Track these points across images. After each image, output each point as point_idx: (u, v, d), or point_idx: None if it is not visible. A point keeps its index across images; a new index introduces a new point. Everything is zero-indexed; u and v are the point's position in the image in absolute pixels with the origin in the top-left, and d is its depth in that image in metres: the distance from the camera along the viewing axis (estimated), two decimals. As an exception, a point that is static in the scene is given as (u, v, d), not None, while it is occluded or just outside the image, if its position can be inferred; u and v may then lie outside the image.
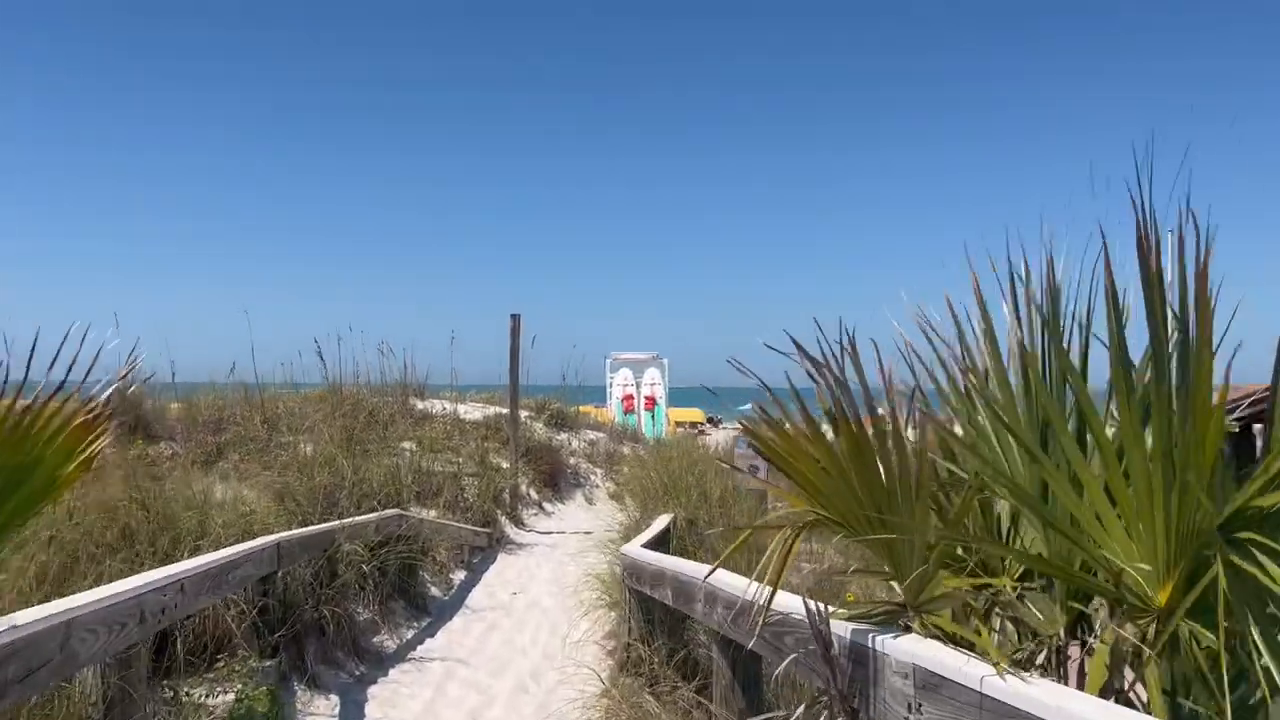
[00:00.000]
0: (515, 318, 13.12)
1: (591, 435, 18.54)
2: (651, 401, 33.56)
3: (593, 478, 16.30)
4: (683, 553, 7.62)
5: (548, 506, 14.41)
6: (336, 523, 7.37)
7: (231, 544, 5.98)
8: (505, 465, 13.75)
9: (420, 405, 16.72)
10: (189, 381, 15.01)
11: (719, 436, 36.81)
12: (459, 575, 9.92)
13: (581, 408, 20.31)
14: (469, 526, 10.87)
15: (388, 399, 16.09)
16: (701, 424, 58.20)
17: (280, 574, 6.37)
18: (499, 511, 12.57)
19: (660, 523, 7.20)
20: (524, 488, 13.99)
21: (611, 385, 32.33)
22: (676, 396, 35.35)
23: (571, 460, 16.40)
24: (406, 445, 14.08)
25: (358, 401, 15.15)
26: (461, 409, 16.89)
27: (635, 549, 5.63)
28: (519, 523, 12.97)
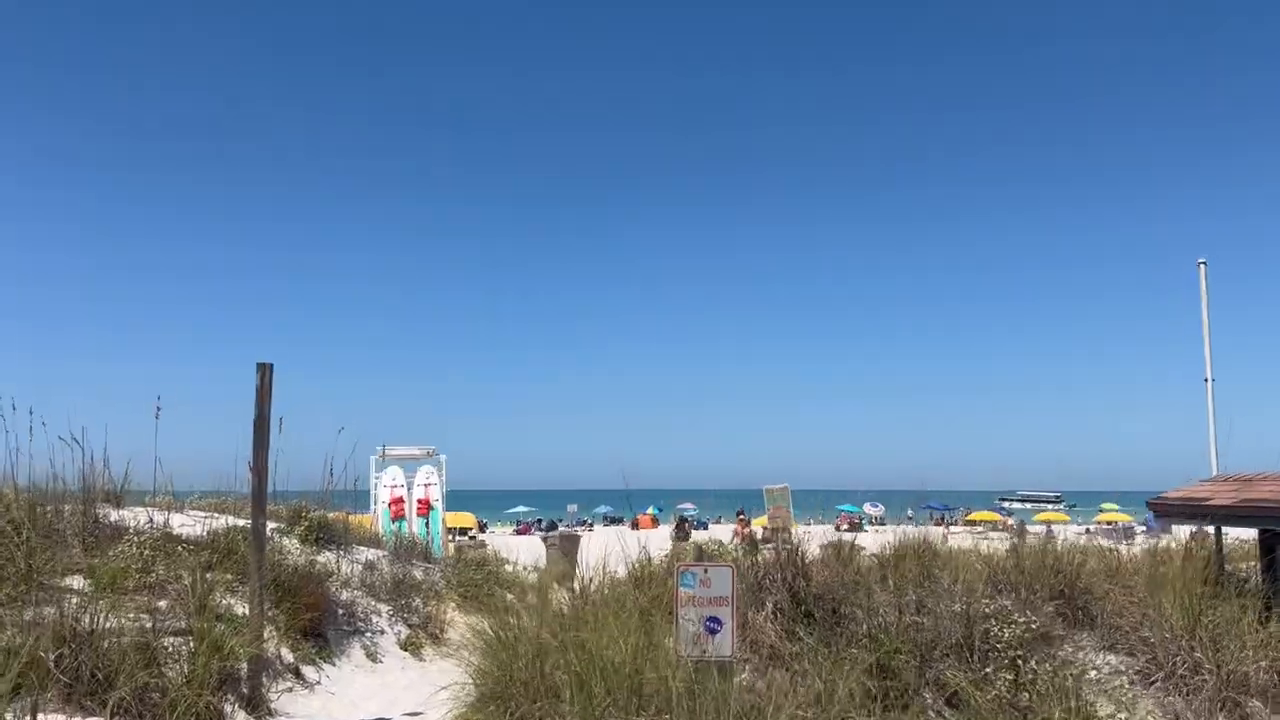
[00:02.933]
0: (264, 369, 8.20)
1: (369, 554, 13.47)
2: (425, 505, 28.40)
3: (375, 619, 11.27)
4: None
5: (310, 673, 9.30)
6: None
7: None
8: (242, 611, 8.63)
9: (115, 515, 11.22)
10: None
11: (513, 542, 32.09)
12: None
13: (352, 515, 15.16)
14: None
15: (61, 505, 10.55)
16: (472, 530, 52.82)
17: None
18: (228, 698, 7.46)
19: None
20: (272, 646, 8.88)
21: (377, 486, 27.03)
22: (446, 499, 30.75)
23: (344, 594, 11.31)
24: (74, 582, 8.69)
25: (-4, 510, 9.57)
26: (176, 520, 11.48)
27: None
28: (264, 711, 7.87)
